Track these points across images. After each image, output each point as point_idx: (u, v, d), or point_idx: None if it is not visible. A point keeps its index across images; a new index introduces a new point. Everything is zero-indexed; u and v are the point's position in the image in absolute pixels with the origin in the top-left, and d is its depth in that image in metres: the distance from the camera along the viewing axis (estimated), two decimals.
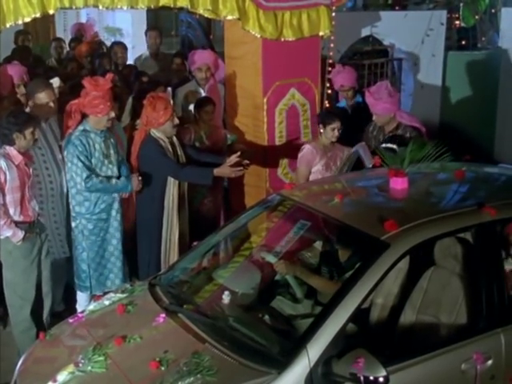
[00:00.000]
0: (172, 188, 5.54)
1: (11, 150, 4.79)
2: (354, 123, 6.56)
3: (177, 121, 5.54)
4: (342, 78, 6.95)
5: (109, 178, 5.28)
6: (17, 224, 4.83)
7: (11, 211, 4.81)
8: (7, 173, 4.72)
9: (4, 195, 4.75)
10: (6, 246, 4.89)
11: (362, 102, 6.89)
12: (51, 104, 5.39)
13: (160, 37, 8.61)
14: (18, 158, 4.81)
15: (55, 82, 5.88)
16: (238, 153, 5.55)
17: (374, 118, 6.09)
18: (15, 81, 6.19)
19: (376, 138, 6.14)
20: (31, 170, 4.98)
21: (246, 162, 5.58)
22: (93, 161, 5.22)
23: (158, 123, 5.44)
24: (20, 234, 4.82)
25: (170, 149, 5.53)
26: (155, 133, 5.49)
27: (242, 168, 5.52)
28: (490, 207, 3.79)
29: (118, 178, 5.33)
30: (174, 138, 5.63)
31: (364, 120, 6.64)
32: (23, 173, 4.84)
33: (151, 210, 5.54)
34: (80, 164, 5.16)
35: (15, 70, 6.27)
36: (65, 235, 5.54)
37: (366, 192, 4.35)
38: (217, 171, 5.46)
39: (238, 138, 6.60)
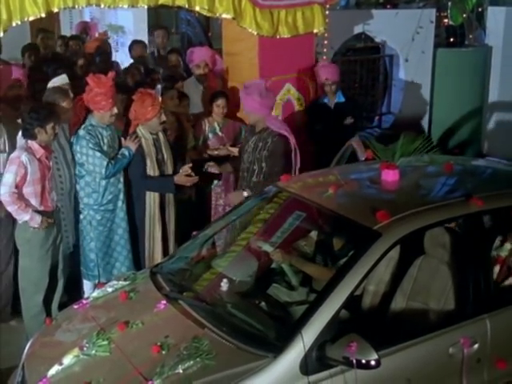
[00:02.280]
0: None
1: (33, 144, 4.82)
2: (336, 121, 6.53)
3: (164, 118, 5.50)
4: (327, 71, 6.88)
5: (114, 158, 5.31)
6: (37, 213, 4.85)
7: (32, 202, 4.84)
8: (28, 166, 4.75)
9: (21, 187, 4.77)
10: (25, 234, 4.92)
11: (345, 101, 6.87)
12: (70, 111, 5.37)
13: (167, 36, 8.55)
14: (40, 152, 4.83)
15: (63, 78, 5.84)
16: (190, 164, 5.52)
17: (244, 113, 5.71)
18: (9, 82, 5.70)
19: (247, 138, 5.76)
20: (51, 163, 4.99)
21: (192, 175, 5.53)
22: None
23: (145, 118, 5.40)
24: (37, 218, 4.84)
25: (153, 146, 5.50)
26: (141, 130, 5.48)
27: (195, 177, 5.49)
28: (477, 198, 3.80)
29: None
30: (161, 136, 5.58)
31: (345, 118, 6.65)
32: (44, 166, 4.87)
33: (137, 206, 5.53)
34: (98, 154, 5.19)
35: (8, 72, 5.78)
36: (71, 231, 5.52)
37: (358, 184, 4.35)
38: (176, 180, 5.46)
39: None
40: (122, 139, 5.48)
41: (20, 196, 4.79)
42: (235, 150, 6.05)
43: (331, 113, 6.86)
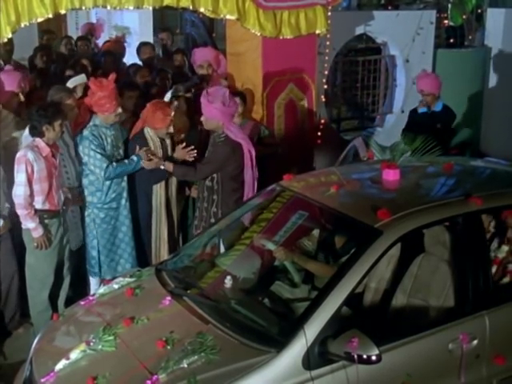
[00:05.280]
0: (159, 188, 5.53)
1: (40, 142, 4.80)
2: (427, 127, 6.19)
3: (171, 129, 5.48)
4: (424, 83, 6.81)
5: (120, 161, 5.32)
6: (42, 211, 4.83)
7: (38, 199, 4.81)
8: (34, 164, 4.72)
9: (31, 186, 4.75)
10: (31, 232, 4.88)
11: (441, 109, 6.77)
12: (76, 109, 5.37)
13: (171, 37, 8.59)
14: (46, 150, 4.81)
15: (82, 78, 5.85)
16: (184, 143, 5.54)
17: (201, 118, 5.38)
18: (14, 89, 5.43)
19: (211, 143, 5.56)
20: (58, 161, 4.98)
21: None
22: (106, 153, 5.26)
23: (153, 127, 5.41)
24: (40, 230, 4.83)
25: (160, 149, 5.49)
26: (148, 132, 5.48)
27: (191, 149, 5.46)
28: (476, 197, 3.81)
29: None
30: (168, 141, 5.59)
31: (442, 125, 6.55)
32: (50, 163, 4.85)
33: (143, 205, 5.55)
34: (99, 156, 5.19)
35: (12, 79, 5.48)
36: (80, 225, 5.54)
37: (360, 183, 4.37)
38: (176, 156, 5.48)
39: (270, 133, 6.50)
40: (137, 148, 5.40)
41: (31, 201, 4.77)
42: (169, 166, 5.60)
43: (425, 121, 6.71)
